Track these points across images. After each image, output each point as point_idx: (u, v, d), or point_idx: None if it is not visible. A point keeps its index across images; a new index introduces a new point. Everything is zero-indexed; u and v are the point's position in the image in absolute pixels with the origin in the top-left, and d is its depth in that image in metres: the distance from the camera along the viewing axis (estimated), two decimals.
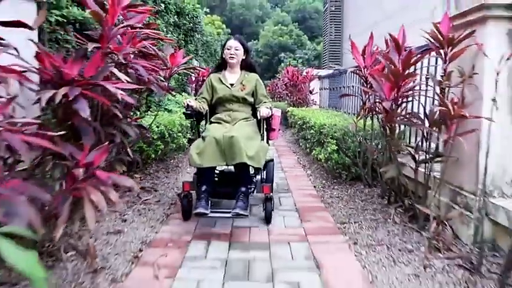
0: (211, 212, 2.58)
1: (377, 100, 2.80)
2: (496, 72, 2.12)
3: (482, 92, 2.21)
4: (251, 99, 3.14)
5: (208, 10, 10.80)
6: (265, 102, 3.11)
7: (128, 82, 2.03)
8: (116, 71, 2.01)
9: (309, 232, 2.67)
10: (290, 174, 4.51)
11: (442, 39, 2.28)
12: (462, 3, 2.30)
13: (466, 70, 2.29)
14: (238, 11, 41.98)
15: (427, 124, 2.50)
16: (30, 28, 1.77)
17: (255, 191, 2.95)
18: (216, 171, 3.04)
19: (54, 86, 1.83)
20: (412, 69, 2.67)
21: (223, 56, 3.18)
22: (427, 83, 2.88)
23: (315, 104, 8.80)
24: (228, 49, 3.12)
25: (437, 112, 2.34)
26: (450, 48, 2.30)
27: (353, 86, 6.08)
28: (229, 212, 2.56)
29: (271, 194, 2.82)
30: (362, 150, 3.63)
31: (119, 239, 2.49)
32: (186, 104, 2.89)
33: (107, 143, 1.87)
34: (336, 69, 8.25)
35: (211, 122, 3.11)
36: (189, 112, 2.91)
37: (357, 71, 3.41)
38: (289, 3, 45.06)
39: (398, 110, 2.67)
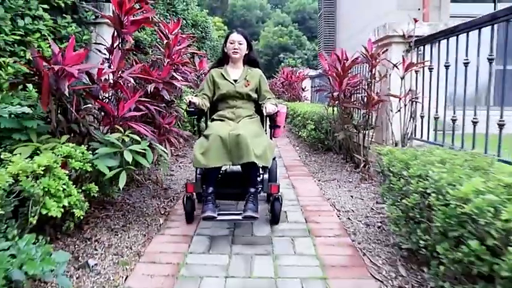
0: (220, 214, 2.53)
1: (328, 92, 4.41)
2: (389, 74, 3.71)
3: (390, 86, 3.80)
4: (255, 96, 3.04)
5: (207, 11, 12.15)
6: (269, 98, 3.01)
7: (182, 81, 3.62)
8: (175, 74, 3.60)
9: (291, 175, 4.29)
10: (283, 149, 6.17)
11: (368, 54, 3.87)
12: (381, 32, 3.89)
13: (382, 73, 3.88)
14: (239, 12, 43.56)
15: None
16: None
17: (261, 191, 2.81)
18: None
19: (147, 82, 3.43)
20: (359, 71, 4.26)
21: (225, 51, 3.07)
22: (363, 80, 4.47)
23: (306, 100, 10.39)
24: (231, 43, 3.00)
25: (365, 98, 3.93)
26: (373, 59, 3.88)
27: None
28: (239, 214, 2.54)
29: (279, 193, 2.76)
30: (332, 129, 5.22)
31: (174, 176, 4.13)
32: (188, 101, 2.77)
33: (174, 115, 3.48)
34: (319, 70, 9.85)
35: (213, 120, 2.99)
36: (192, 109, 2.81)
37: (325, 74, 5.00)
38: (289, 4, 46.62)
39: (353, 99, 4.28)
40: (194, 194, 2.85)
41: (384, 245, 2.45)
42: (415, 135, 3.68)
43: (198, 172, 2.80)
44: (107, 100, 2.87)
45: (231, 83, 2.99)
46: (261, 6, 46.11)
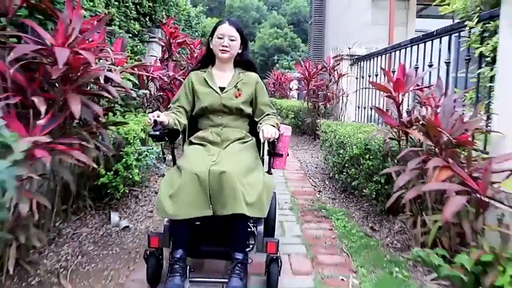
0: (192, 280, 1.86)
1: (304, 91, 6.51)
2: (346, 80, 5.79)
3: (342, 87, 5.88)
4: (249, 110, 2.27)
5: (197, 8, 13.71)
6: (268, 114, 2.25)
7: None
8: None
9: None
10: None
11: (327, 65, 5.94)
12: (336, 52, 5.97)
13: (338, 78, 5.97)
14: (236, 13, 45.57)
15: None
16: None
17: (254, 248, 2.01)
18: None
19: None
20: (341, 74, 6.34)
21: (210, 47, 2.27)
22: (328, 83, 6.56)
23: (293, 98, 12.51)
24: (219, 38, 2.18)
25: (326, 95, 6.03)
26: (332, 69, 5.96)
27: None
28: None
29: (278, 254, 1.97)
30: (306, 118, 7.30)
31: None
32: (150, 121, 1.89)
33: None
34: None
35: (191, 143, 2.20)
36: (157, 132, 1.91)
37: (300, 78, 7.08)
38: (285, 7, 48.75)
39: (319, 96, 6.36)
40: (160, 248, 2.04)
41: (320, 174, 4.53)
42: (349, 117, 5.78)
43: (166, 220, 1.98)
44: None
45: (217, 92, 2.19)
46: (258, 8, 48.19)
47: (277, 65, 31.81)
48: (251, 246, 2.03)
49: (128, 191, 3.13)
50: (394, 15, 10.12)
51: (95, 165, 2.07)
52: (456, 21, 3.00)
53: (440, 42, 3.27)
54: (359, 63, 5.67)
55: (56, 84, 1.88)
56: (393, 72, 3.72)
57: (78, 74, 1.84)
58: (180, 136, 2.32)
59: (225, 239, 1.96)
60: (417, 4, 10.67)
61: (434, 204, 2.21)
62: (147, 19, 5.29)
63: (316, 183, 4.17)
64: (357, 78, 5.71)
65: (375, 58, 5.02)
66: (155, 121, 1.90)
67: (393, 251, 2.49)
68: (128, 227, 2.78)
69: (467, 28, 2.66)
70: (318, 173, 4.59)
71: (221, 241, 2.00)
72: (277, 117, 2.28)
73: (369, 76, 5.20)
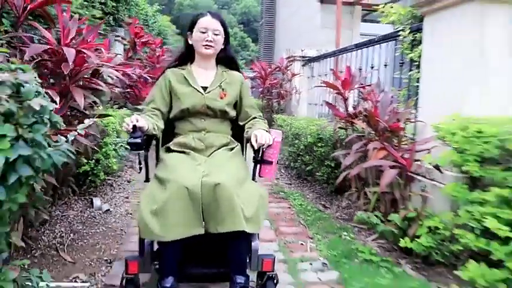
0: None
1: (259, 89, 6.99)
2: (299, 78, 6.33)
3: (295, 85, 6.42)
4: (233, 113, 2.05)
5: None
6: (255, 118, 2.06)
7: None
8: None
9: None
10: None
11: (281, 65, 6.45)
12: (288, 53, 6.49)
13: (291, 78, 6.50)
14: (186, 11, 45.36)
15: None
16: None
17: (248, 266, 1.80)
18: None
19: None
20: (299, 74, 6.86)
21: (190, 42, 2.01)
22: (282, 82, 7.07)
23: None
24: (202, 32, 1.93)
25: (279, 93, 6.54)
26: (285, 69, 6.47)
27: None
28: None
29: (274, 272, 1.83)
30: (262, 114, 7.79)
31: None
32: (129, 126, 1.63)
33: None
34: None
35: (169, 150, 1.96)
36: (137, 140, 1.64)
37: (256, 77, 7.54)
38: (235, 6, 49.14)
39: (273, 94, 6.86)
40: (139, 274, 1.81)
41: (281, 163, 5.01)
42: (301, 113, 6.34)
43: (147, 241, 1.76)
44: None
45: (199, 92, 1.96)
46: (208, 6, 48.17)
47: None
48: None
49: (103, 180, 3.42)
50: (341, 20, 10.88)
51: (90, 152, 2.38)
52: (393, 30, 3.59)
53: (381, 48, 3.86)
54: (310, 64, 6.22)
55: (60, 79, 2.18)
56: (340, 72, 4.28)
57: (81, 70, 2.16)
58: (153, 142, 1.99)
59: (218, 259, 1.81)
60: (362, 10, 11.52)
61: (374, 180, 2.75)
62: (110, 19, 5.51)
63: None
64: (308, 78, 6.27)
65: (324, 60, 5.59)
66: (134, 126, 1.62)
67: (342, 221, 3.01)
68: (109, 210, 3.09)
69: (401, 37, 3.23)
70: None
71: (214, 262, 1.83)
72: (265, 120, 2.10)
73: (319, 76, 5.76)
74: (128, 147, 1.72)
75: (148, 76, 4.87)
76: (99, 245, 2.52)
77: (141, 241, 1.78)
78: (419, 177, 2.46)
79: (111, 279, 2.11)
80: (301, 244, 2.62)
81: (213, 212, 1.61)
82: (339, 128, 3.15)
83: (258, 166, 1.90)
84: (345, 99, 3.04)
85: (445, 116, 2.21)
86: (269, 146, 1.82)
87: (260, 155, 1.86)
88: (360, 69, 4.13)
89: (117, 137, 3.53)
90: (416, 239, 2.20)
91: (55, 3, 2.18)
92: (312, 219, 3.05)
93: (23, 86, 1.05)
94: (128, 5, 6.02)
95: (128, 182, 3.89)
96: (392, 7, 3.48)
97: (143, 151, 1.78)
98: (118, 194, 3.52)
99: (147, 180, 1.92)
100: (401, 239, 2.26)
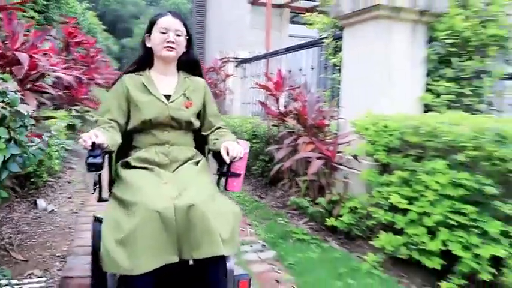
0: None
1: None
2: (232, 78, 6.65)
3: (229, 85, 6.73)
4: (198, 123, 1.87)
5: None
6: (219, 128, 1.91)
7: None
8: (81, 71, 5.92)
9: None
10: None
11: (216, 66, 6.73)
12: (222, 54, 6.78)
13: (223, 77, 6.80)
14: (112, 6, 43.77)
15: None
16: None
17: None
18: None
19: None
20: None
21: (148, 45, 1.82)
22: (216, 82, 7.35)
23: None
24: (163, 32, 1.75)
25: (214, 92, 6.82)
26: (219, 69, 6.76)
27: None
28: None
29: None
30: None
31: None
32: (86, 143, 1.42)
33: None
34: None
35: (127, 165, 1.73)
36: (98, 161, 1.44)
37: None
38: (164, 3, 48.28)
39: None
40: None
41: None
42: (235, 112, 6.69)
43: (109, 273, 1.53)
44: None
45: (162, 101, 1.78)
46: (135, 2, 46.94)
47: None
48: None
49: (45, 181, 3.47)
50: (271, 21, 11.35)
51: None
52: (319, 35, 4.03)
53: (308, 52, 4.30)
54: (243, 65, 6.57)
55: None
56: (271, 74, 4.68)
57: (31, 74, 2.28)
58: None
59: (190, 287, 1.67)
60: (290, 12, 12.13)
61: (304, 170, 3.15)
62: (41, 17, 5.40)
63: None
64: (241, 78, 6.62)
65: (257, 61, 5.97)
66: (93, 143, 1.42)
67: (277, 208, 3.38)
68: (53, 210, 3.17)
69: (326, 43, 3.67)
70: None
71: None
72: (229, 130, 1.94)
73: (252, 76, 6.13)
74: (85, 166, 1.46)
75: (84, 77, 4.86)
76: (49, 243, 2.63)
77: (103, 274, 1.54)
78: (341, 167, 2.89)
79: (67, 272, 2.24)
80: (242, 230, 2.94)
81: (188, 236, 1.44)
82: (272, 125, 3.51)
83: (224, 179, 1.80)
84: (277, 100, 3.41)
85: (360, 113, 2.65)
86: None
87: (227, 168, 1.75)
88: (290, 71, 4.55)
89: (57, 139, 3.59)
90: (339, 218, 2.62)
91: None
92: (250, 208, 3.38)
93: (8, 94, 1.24)
94: (57, 3, 5.92)
95: (69, 182, 3.94)
96: (317, 16, 3.92)
97: (101, 171, 1.53)
98: (60, 194, 3.58)
99: (100, 200, 1.72)
100: (327, 219, 2.67)
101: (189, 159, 1.80)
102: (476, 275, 1.89)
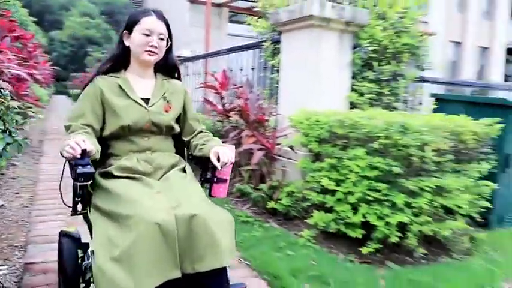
0: None
1: None
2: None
3: None
4: (178, 128, 1.80)
5: None
6: (201, 132, 1.86)
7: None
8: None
9: None
10: None
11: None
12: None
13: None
14: None
15: None
16: None
17: None
18: None
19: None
20: None
21: (126, 44, 1.69)
22: None
23: None
24: (146, 35, 1.64)
25: None
26: None
27: None
28: None
29: None
30: None
31: None
32: (76, 151, 1.34)
33: None
34: None
35: (108, 175, 1.60)
36: (90, 170, 1.38)
37: None
38: None
39: None
40: None
41: None
42: None
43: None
44: None
45: (141, 105, 1.67)
46: None
47: (89, 57, 30.52)
48: None
49: None
50: (210, 20, 11.58)
51: None
52: (258, 36, 4.41)
53: (248, 53, 4.66)
54: (185, 63, 6.80)
55: None
56: (215, 72, 5.01)
57: None
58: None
59: None
60: (229, 11, 12.45)
61: (247, 161, 3.50)
62: None
63: None
64: (183, 76, 6.84)
65: (199, 60, 6.24)
66: (83, 151, 1.34)
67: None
68: (3, 205, 3.24)
69: (265, 46, 4.04)
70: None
71: None
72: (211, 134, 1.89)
73: (194, 74, 6.38)
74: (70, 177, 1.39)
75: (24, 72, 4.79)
76: (5, 235, 2.74)
77: None
78: (280, 157, 3.28)
79: (29, 259, 2.37)
80: None
81: (189, 248, 1.36)
82: (217, 121, 3.83)
83: (209, 185, 1.75)
84: (222, 97, 3.73)
85: (295, 110, 3.05)
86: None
87: (212, 173, 1.72)
88: (231, 70, 4.88)
89: None
90: (279, 202, 3.01)
91: None
92: None
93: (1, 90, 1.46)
94: None
95: (13, 179, 3.97)
96: (257, 21, 4.30)
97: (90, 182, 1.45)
98: (7, 190, 3.62)
99: (75, 213, 1.58)
100: (268, 203, 3.05)
101: (173, 165, 1.70)
102: (387, 239, 2.37)
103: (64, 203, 1.57)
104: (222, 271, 1.45)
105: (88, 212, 1.59)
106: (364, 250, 2.43)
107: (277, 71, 3.91)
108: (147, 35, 1.64)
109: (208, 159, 1.65)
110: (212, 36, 11.52)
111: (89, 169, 1.37)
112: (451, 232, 2.54)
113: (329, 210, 2.66)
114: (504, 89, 5.73)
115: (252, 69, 4.52)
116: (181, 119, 1.83)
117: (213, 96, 4.63)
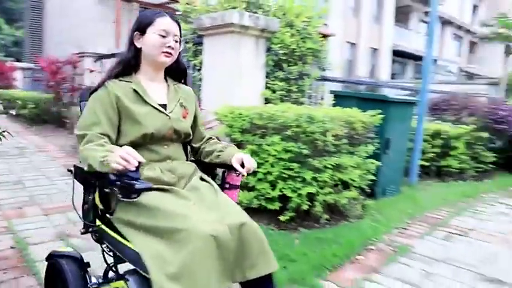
0: None
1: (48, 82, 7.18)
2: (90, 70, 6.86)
3: (93, 80, 6.91)
4: (191, 135, 1.73)
5: None
6: (211, 138, 1.83)
7: None
8: None
9: (24, 137, 6.77)
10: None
11: (71, 60, 6.83)
12: (77, 50, 6.92)
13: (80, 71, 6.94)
14: None
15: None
16: None
17: None
18: None
19: None
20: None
21: (138, 46, 1.60)
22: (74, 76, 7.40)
23: (18, 88, 12.21)
24: (163, 36, 1.57)
25: (72, 86, 6.92)
26: (74, 63, 6.86)
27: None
28: None
29: None
30: (51, 108, 7.84)
31: None
32: (131, 164, 1.25)
33: None
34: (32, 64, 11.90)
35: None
36: (147, 185, 1.30)
37: (43, 70, 7.58)
38: None
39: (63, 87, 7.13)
40: None
41: None
42: None
43: None
44: None
45: (162, 112, 1.59)
46: None
47: None
48: None
49: None
50: (120, 14, 11.41)
51: None
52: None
53: None
54: (102, 60, 6.86)
55: None
56: None
57: None
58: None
59: None
60: (140, 7, 12.34)
61: None
62: None
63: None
64: (99, 73, 6.89)
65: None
66: (139, 163, 1.27)
67: None
68: None
69: (187, 47, 4.43)
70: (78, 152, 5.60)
71: None
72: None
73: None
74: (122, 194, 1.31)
75: None
76: None
77: None
78: None
79: None
80: None
81: (241, 257, 1.35)
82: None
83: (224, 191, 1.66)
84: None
85: (218, 105, 3.52)
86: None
87: (222, 180, 1.69)
88: None
89: None
90: None
91: None
92: None
93: None
94: None
95: None
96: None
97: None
98: None
99: (87, 230, 1.55)
100: None
101: (192, 174, 1.64)
102: (300, 208, 2.97)
103: (81, 219, 1.56)
104: (271, 276, 1.43)
105: (103, 227, 1.49)
106: (282, 218, 3.00)
107: (199, 69, 4.33)
108: (163, 36, 1.56)
109: (220, 165, 1.68)
110: (122, 31, 11.35)
111: (147, 184, 1.30)
112: (347, 201, 3.23)
113: (251, 189, 3.17)
114: (387, 87, 6.83)
115: None
116: (191, 125, 1.74)
117: None
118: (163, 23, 1.57)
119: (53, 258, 1.66)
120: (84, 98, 1.63)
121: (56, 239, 2.72)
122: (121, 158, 1.24)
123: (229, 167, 1.64)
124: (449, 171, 5.27)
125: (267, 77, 4.11)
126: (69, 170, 1.56)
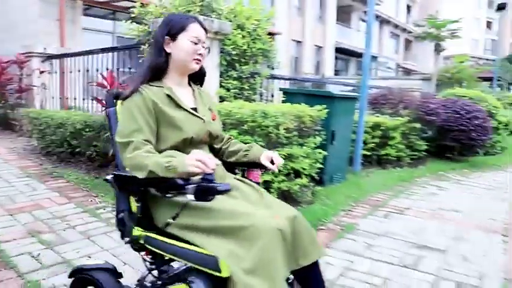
0: None
1: None
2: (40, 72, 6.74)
3: (43, 81, 6.79)
4: (219, 137, 1.81)
5: None
6: (230, 138, 1.88)
7: None
8: None
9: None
10: None
11: (17, 61, 6.68)
12: (26, 49, 6.78)
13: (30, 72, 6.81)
14: None
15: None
16: None
17: None
18: None
19: None
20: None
21: (168, 51, 1.61)
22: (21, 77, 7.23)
23: None
24: (195, 43, 1.61)
25: (20, 87, 6.77)
26: (21, 64, 6.73)
27: None
28: None
29: None
30: None
31: None
32: (209, 166, 1.28)
33: None
34: None
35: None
36: (228, 186, 1.36)
37: None
38: None
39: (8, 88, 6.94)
40: None
41: (33, 154, 5.52)
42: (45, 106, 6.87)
43: None
44: None
45: (197, 116, 1.64)
46: None
47: None
48: None
49: None
50: (64, 12, 11.04)
51: None
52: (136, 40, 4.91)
53: (125, 53, 5.10)
54: (51, 60, 6.77)
55: None
56: (87, 70, 5.35)
57: None
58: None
59: None
60: (83, 4, 12.04)
61: None
62: None
63: (34, 160, 5.19)
64: (49, 73, 6.80)
65: (69, 58, 6.34)
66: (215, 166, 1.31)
67: None
68: None
69: (142, 48, 4.57)
70: (30, 154, 5.54)
71: None
72: None
73: (66, 72, 6.46)
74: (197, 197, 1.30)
75: None
76: None
77: None
78: None
79: None
80: (91, 201, 3.67)
81: (296, 247, 1.47)
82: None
83: None
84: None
85: None
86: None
87: (244, 177, 1.75)
88: (108, 69, 5.26)
89: None
90: None
91: None
92: (92, 184, 4.07)
93: None
94: None
95: None
96: (131, 23, 4.79)
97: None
98: None
99: (131, 239, 1.50)
100: None
101: (224, 174, 1.68)
102: None
103: (121, 228, 1.55)
104: (318, 261, 1.56)
105: (151, 235, 1.47)
106: None
107: None
108: (196, 43, 1.60)
109: (243, 163, 1.75)
110: (67, 30, 11.03)
111: (226, 185, 1.35)
112: (299, 188, 3.59)
113: None
114: (332, 83, 7.33)
115: (129, 69, 4.99)
116: None
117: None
118: (196, 29, 1.61)
119: (81, 273, 1.62)
120: (110, 104, 1.64)
121: (27, 236, 2.82)
122: (199, 161, 1.27)
123: (250, 165, 1.74)
124: (388, 160, 5.82)
125: (221, 76, 4.37)
126: (105, 180, 1.53)
